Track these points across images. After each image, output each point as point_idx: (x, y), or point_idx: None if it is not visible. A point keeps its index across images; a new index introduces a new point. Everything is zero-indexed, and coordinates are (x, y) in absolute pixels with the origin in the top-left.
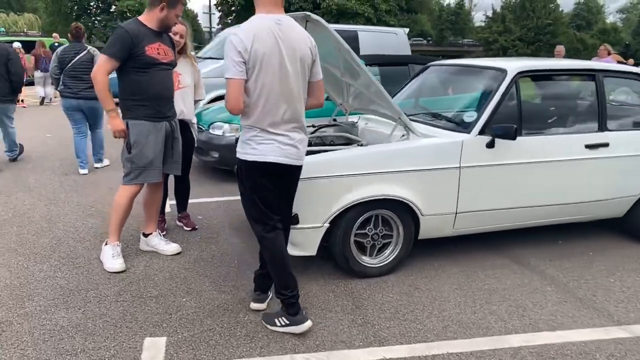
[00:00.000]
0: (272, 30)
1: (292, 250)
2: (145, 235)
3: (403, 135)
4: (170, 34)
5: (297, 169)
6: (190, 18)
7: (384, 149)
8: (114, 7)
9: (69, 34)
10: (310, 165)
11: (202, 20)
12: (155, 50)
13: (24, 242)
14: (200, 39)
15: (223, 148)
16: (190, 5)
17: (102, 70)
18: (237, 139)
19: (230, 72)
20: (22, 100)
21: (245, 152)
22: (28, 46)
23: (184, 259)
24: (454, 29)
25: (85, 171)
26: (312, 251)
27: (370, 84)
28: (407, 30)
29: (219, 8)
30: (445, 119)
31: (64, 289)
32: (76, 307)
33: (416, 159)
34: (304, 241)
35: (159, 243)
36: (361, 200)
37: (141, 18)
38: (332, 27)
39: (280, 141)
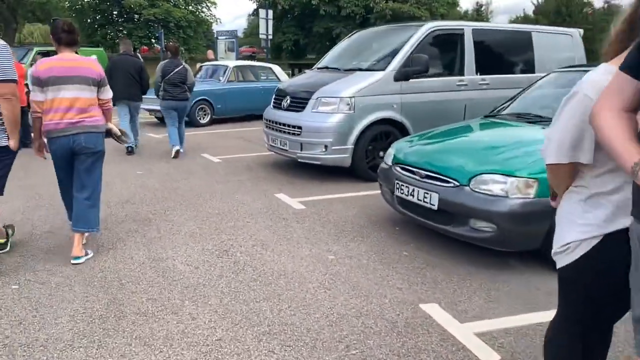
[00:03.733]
0: None
1: None
2: None
3: None
4: None
5: None
6: (209, 24)
7: None
8: (137, 15)
9: (167, 52)
10: None
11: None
12: None
13: None
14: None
15: (504, 217)
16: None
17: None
18: None
19: None
20: None
21: None
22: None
23: None
24: None
25: (178, 147)
26: None
27: None
28: (582, 31)
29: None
30: None
31: None
32: None
33: None
34: None
35: None
36: None
37: None
38: (501, 26)
39: None
